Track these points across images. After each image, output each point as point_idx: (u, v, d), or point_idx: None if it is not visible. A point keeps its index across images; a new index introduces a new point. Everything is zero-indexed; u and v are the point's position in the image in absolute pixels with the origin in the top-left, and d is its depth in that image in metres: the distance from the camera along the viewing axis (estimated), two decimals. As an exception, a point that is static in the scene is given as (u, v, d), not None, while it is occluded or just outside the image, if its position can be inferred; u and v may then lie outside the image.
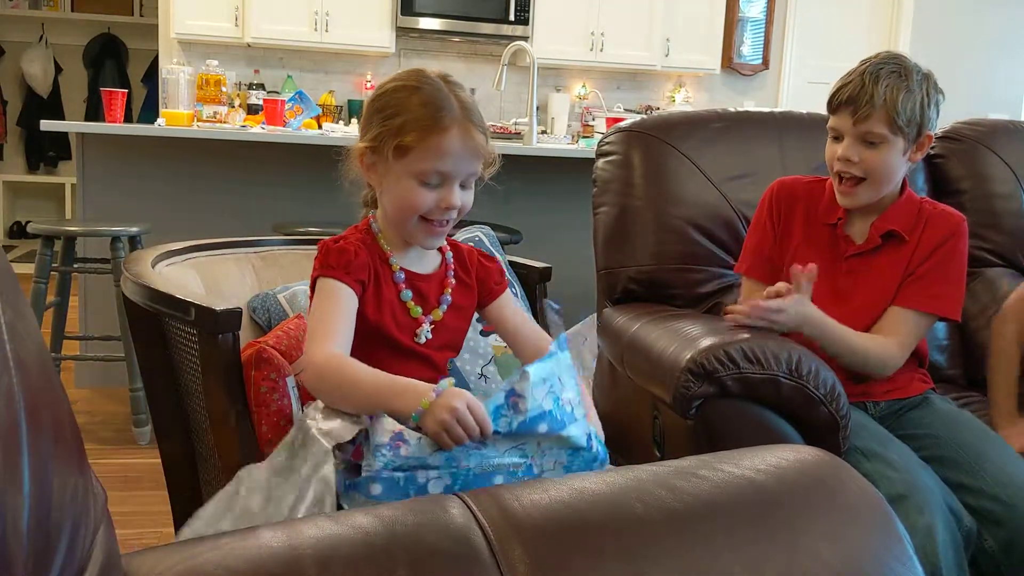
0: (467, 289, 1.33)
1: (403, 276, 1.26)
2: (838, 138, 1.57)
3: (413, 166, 1.19)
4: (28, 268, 3.50)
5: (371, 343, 1.22)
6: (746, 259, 1.73)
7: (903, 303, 1.59)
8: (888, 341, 1.57)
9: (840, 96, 1.54)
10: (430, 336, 1.27)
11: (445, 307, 1.29)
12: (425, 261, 1.30)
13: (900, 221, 1.61)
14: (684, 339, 1.46)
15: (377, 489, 1.03)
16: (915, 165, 2.14)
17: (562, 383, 1.10)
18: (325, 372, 1.12)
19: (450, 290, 1.30)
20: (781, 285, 1.50)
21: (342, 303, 1.19)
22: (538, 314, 1.90)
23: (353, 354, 1.17)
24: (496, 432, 1.05)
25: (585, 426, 1.14)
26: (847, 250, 1.63)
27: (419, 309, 1.26)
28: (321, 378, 1.13)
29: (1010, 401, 1.72)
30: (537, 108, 3.91)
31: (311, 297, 1.23)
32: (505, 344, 1.44)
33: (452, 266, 1.32)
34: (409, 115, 1.19)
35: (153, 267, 1.42)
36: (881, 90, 1.50)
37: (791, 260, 1.60)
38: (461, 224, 1.97)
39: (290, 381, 1.27)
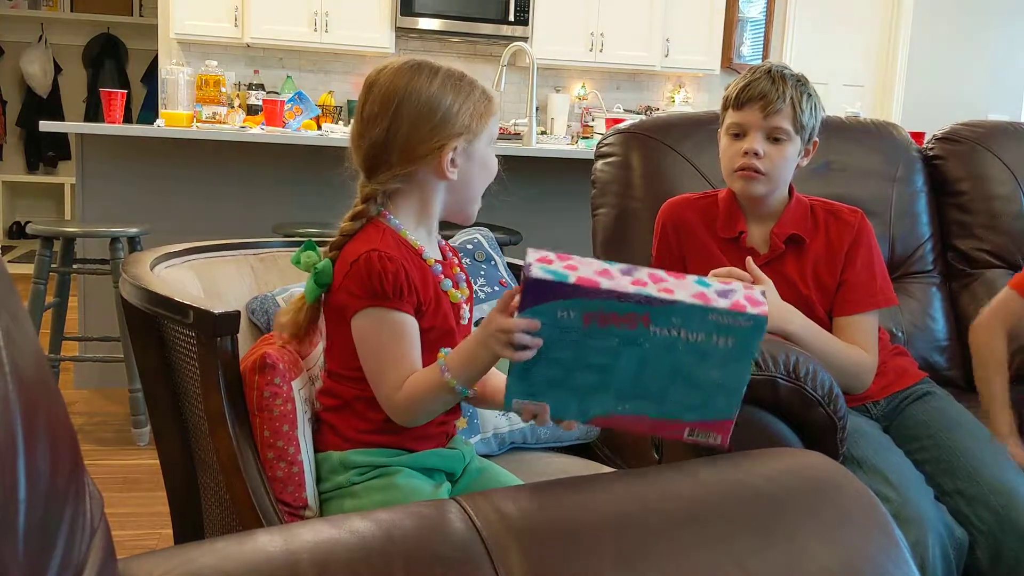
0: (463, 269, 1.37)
1: (440, 267, 1.27)
2: (739, 135, 1.60)
3: (491, 133, 1.27)
4: (27, 269, 3.51)
5: (432, 342, 1.23)
6: None
7: (848, 311, 1.60)
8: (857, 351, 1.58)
9: (750, 92, 1.57)
10: (469, 315, 1.31)
11: (464, 283, 1.33)
12: (436, 249, 1.32)
13: (797, 224, 1.63)
14: (682, 341, 1.46)
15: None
16: (913, 166, 2.15)
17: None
18: (412, 402, 1.17)
19: (458, 267, 1.34)
20: (735, 270, 1.53)
21: (412, 338, 1.20)
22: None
23: (423, 357, 1.22)
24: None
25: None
26: (757, 260, 1.62)
27: (458, 293, 1.29)
28: (412, 407, 1.18)
29: (1006, 413, 1.67)
30: (536, 109, 3.91)
31: (353, 318, 1.21)
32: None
33: (446, 248, 1.36)
34: (474, 93, 1.25)
35: (152, 269, 1.41)
36: (789, 89, 1.55)
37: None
38: (460, 226, 1.97)
39: (295, 385, 1.26)
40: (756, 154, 1.56)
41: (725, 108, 1.63)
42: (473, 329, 1.27)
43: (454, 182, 1.25)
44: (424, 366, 1.21)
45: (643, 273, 0.88)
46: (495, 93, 1.30)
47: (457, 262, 1.35)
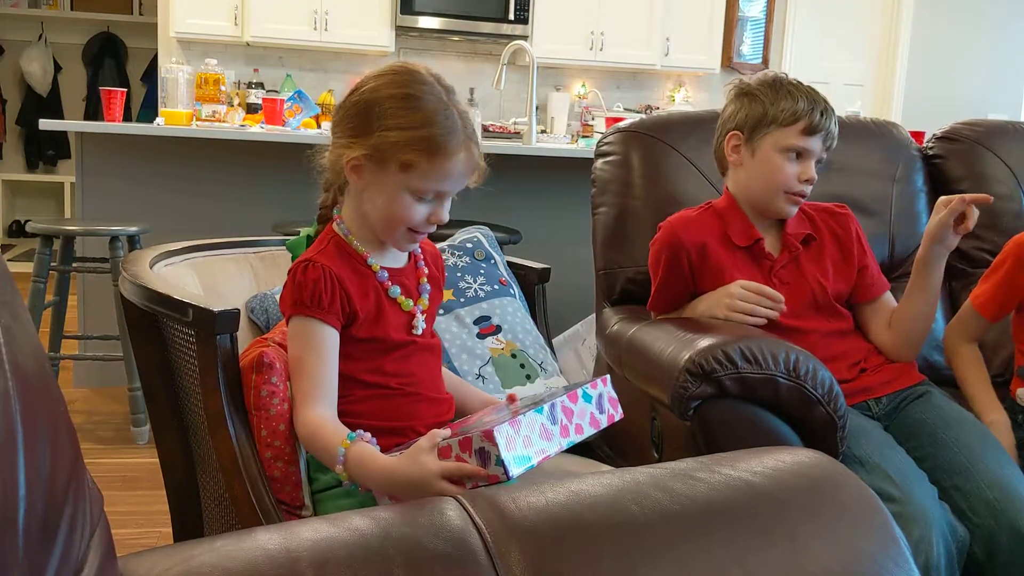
0: (435, 280, 1.34)
1: (386, 275, 1.25)
2: (798, 157, 1.61)
3: (413, 183, 1.17)
4: (27, 267, 3.50)
5: (374, 351, 1.23)
6: (662, 303, 1.72)
7: (878, 292, 1.72)
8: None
9: (822, 124, 1.59)
10: (424, 326, 1.28)
11: (427, 295, 1.30)
12: (397, 256, 1.30)
13: (802, 225, 1.70)
14: (682, 340, 1.46)
15: None
16: (913, 165, 2.16)
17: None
18: (309, 441, 1.18)
19: (426, 278, 1.31)
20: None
21: (324, 350, 1.18)
22: (537, 315, 1.90)
23: (359, 365, 1.21)
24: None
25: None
26: (775, 264, 1.66)
27: (409, 302, 1.26)
28: (306, 444, 1.20)
29: (987, 391, 1.69)
30: (537, 107, 3.91)
31: (287, 325, 1.22)
32: (502, 346, 1.44)
33: (420, 256, 1.33)
34: (416, 132, 1.15)
35: (151, 267, 1.41)
36: (835, 126, 1.62)
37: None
38: (460, 225, 1.97)
39: (291, 384, 1.26)
40: (812, 182, 1.61)
41: (787, 124, 1.60)
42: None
43: (363, 194, 1.22)
44: (366, 374, 1.21)
45: (559, 410, 1.11)
46: (458, 152, 1.16)
47: (428, 271, 1.32)
